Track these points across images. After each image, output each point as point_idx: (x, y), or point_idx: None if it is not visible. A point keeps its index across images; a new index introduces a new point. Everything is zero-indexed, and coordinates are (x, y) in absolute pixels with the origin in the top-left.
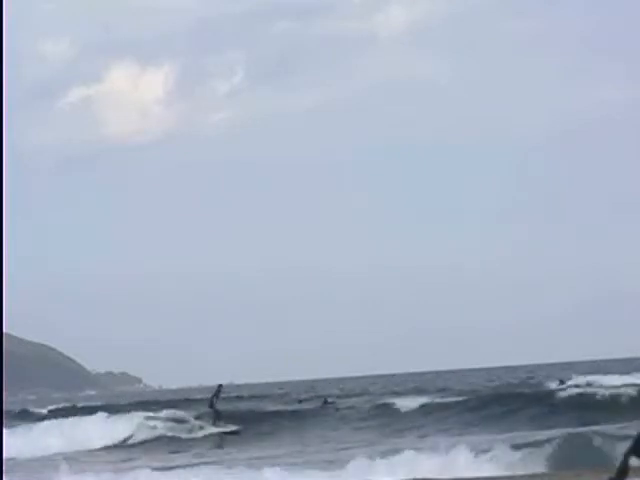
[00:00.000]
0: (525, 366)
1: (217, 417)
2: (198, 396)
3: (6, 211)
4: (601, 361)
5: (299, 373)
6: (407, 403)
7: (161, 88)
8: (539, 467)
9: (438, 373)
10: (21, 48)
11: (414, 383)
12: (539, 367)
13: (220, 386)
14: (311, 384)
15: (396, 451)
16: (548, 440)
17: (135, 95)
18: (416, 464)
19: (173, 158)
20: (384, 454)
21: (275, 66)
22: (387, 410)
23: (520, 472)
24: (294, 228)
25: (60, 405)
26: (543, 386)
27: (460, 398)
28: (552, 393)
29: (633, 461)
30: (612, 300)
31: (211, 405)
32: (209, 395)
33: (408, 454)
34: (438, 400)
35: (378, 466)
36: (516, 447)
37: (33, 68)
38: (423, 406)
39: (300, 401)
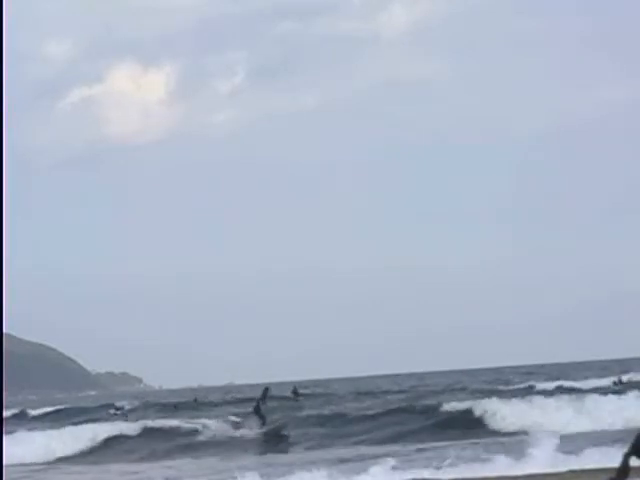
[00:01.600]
0: (526, 366)
1: (263, 421)
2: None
3: (6, 211)
4: (602, 361)
5: (299, 373)
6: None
7: (162, 88)
8: None
9: (434, 374)
10: (23, 48)
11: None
12: (542, 367)
13: (267, 390)
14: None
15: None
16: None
17: (136, 95)
18: None
19: (174, 158)
20: None
21: (276, 66)
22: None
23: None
24: (294, 228)
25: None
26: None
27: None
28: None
29: (633, 461)
30: (612, 300)
31: (257, 409)
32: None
33: None
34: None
35: None
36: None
37: (35, 68)
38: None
39: (297, 397)
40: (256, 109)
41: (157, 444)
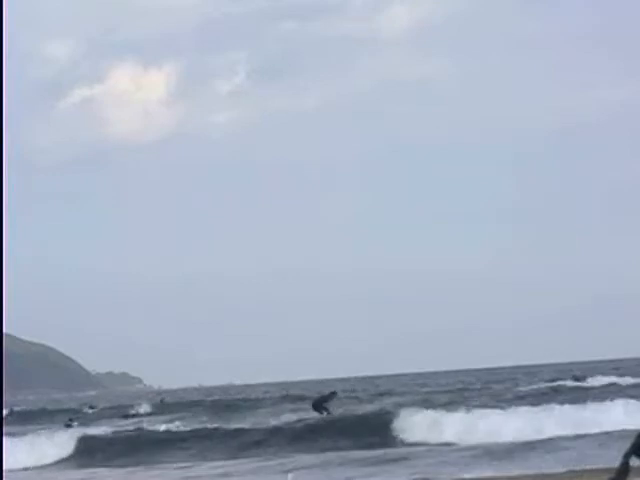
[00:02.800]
0: (527, 366)
1: (327, 411)
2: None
3: (7, 211)
4: (601, 361)
5: (298, 373)
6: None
7: (163, 88)
8: None
9: (434, 374)
10: (24, 48)
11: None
12: (543, 367)
13: (334, 394)
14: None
15: None
16: None
17: (137, 95)
18: None
19: (174, 158)
20: None
21: (277, 66)
22: None
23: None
24: (295, 228)
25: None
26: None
27: None
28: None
29: (633, 461)
30: (612, 300)
31: (317, 405)
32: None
33: None
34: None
35: None
36: None
37: (36, 68)
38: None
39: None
40: (256, 109)
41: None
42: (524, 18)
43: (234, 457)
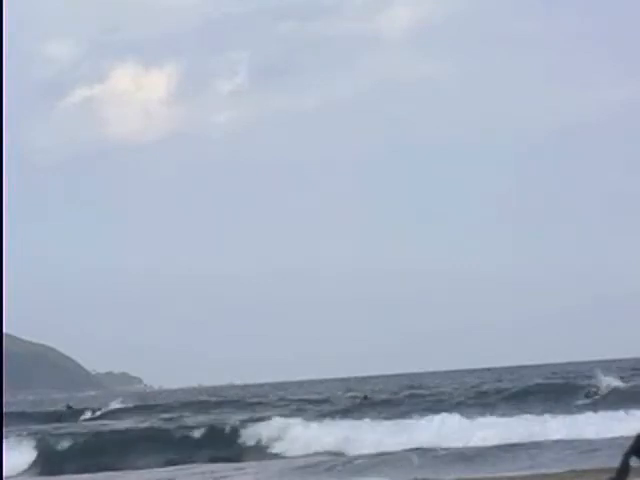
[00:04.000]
0: (527, 367)
1: None
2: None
3: (6, 211)
4: (599, 362)
5: (298, 373)
6: None
7: (164, 88)
8: None
9: (435, 374)
10: (25, 48)
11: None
12: (541, 367)
13: None
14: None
15: None
16: None
17: (138, 95)
18: None
19: (175, 158)
20: None
21: (278, 66)
22: None
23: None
24: (295, 228)
25: None
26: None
27: None
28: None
29: (633, 461)
30: (612, 300)
31: None
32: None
33: None
34: None
35: None
36: None
37: (37, 68)
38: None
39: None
40: (257, 109)
41: None
42: (524, 18)
43: None
